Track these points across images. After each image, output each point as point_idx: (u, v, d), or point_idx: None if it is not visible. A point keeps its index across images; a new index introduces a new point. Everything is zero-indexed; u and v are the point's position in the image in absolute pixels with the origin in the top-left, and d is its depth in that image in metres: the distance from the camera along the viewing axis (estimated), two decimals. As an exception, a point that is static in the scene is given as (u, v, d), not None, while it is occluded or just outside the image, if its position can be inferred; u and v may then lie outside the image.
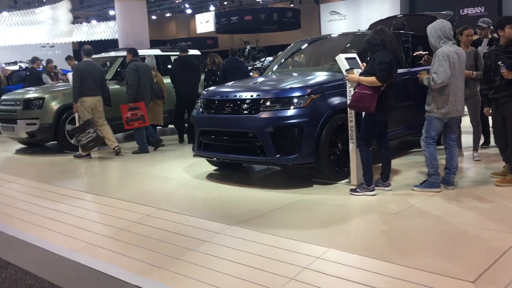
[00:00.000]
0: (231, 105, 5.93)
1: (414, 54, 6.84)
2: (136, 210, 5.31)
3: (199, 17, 31.69)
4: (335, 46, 7.39)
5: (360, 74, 5.31)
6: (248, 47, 19.14)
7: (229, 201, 5.48)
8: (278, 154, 5.59)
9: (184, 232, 4.57)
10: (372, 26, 9.12)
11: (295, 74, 6.76)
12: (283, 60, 7.66)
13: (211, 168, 7.00)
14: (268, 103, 5.66)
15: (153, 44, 19.93)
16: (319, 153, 5.64)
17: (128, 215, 5.20)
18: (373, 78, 5.08)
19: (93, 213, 5.59)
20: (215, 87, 6.83)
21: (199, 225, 4.70)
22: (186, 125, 9.27)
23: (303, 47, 7.74)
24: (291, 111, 5.56)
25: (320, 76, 6.33)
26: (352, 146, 5.65)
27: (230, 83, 7.02)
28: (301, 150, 5.55)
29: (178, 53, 9.95)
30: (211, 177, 6.62)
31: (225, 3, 32.22)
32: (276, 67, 7.56)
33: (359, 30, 8.88)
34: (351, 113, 5.59)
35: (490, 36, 7.07)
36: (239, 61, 9.70)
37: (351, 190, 5.40)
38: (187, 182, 6.47)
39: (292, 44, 7.83)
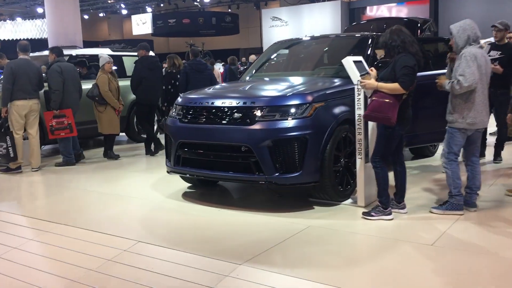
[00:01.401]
0: (219, 114, 5.03)
1: None
2: (109, 243, 4.27)
3: (135, 18, 30.11)
4: (322, 48, 6.66)
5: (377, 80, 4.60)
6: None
7: (223, 230, 4.56)
8: (277, 172, 4.76)
9: (181, 275, 3.61)
10: (348, 30, 8.52)
11: (287, 79, 5.96)
12: (262, 63, 6.83)
13: (183, 185, 6.04)
14: (265, 112, 4.81)
15: (84, 46, 18.48)
16: (323, 170, 4.86)
17: (100, 250, 4.15)
18: (395, 85, 4.37)
19: (52, 248, 4.45)
20: (195, 92, 5.88)
21: (198, 264, 3.76)
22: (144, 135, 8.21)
23: (284, 49, 6.95)
24: (292, 122, 4.75)
25: (319, 82, 5.56)
26: (360, 162, 4.91)
27: (215, 87, 6.10)
28: (305, 167, 4.75)
29: (132, 53, 8.87)
30: (188, 196, 5.66)
31: (161, 5, 30.95)
32: (254, 71, 6.72)
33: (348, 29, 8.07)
34: (359, 124, 4.86)
35: (506, 41, 6.51)
36: (203, 63, 8.75)
37: (365, 213, 4.66)
38: (162, 204, 5.47)
39: (270, 46, 7.02)
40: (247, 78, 6.56)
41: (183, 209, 5.25)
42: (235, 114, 4.92)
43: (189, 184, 6.06)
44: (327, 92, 5.08)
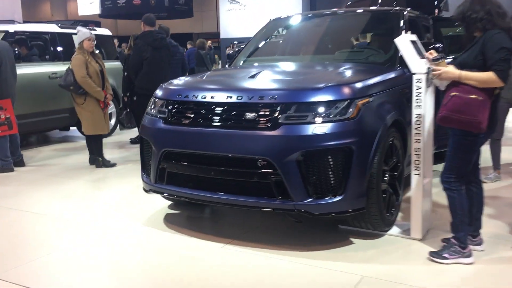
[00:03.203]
0: (223, 113, 3.57)
1: None
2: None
3: (81, -3, 27.71)
4: (338, 27, 5.26)
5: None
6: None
7: (237, 284, 3.12)
8: (309, 197, 3.36)
9: None
10: (349, 5, 7.18)
11: (305, 67, 4.56)
12: (257, 45, 5.35)
13: (162, 204, 4.55)
14: (292, 111, 3.39)
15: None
16: (370, 191, 3.51)
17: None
18: (489, 75, 3.06)
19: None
20: (183, 81, 4.35)
21: None
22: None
23: (287, 28, 5.49)
24: (331, 126, 3.35)
25: (353, 69, 4.18)
26: (417, 180, 3.59)
27: (210, 75, 4.57)
28: (348, 189, 3.37)
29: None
30: (172, 222, 4.17)
31: (111, -16, 28.63)
32: (247, 55, 5.22)
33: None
34: (418, 128, 3.54)
35: None
36: (173, 44, 7.20)
37: (433, 254, 3.34)
38: (136, 237, 3.95)
39: (267, 24, 5.54)
40: (241, 63, 5.08)
41: (168, 244, 3.75)
42: (248, 113, 3.48)
43: (170, 202, 4.57)
44: (371, 83, 3.71)
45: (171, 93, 3.94)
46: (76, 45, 6.21)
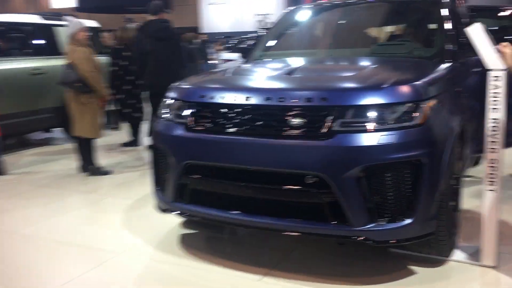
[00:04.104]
0: (261, 118, 2.93)
1: None
2: None
3: (56, -10, 26.62)
4: (367, 18, 4.65)
5: None
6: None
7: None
8: (372, 222, 2.75)
9: None
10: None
11: (345, 61, 3.95)
12: (277, 37, 4.70)
13: (174, 222, 3.90)
14: (348, 117, 2.77)
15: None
16: (440, 212, 2.93)
17: None
18: None
19: None
20: (206, 78, 3.69)
21: None
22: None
23: (310, 18, 4.83)
24: (398, 135, 2.74)
25: (404, 65, 3.58)
26: (492, 197, 3.02)
27: (236, 71, 3.87)
28: (419, 210, 2.78)
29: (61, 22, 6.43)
30: (191, 246, 3.51)
31: (87, -24, 27.53)
32: (265, 48, 4.58)
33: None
34: (495, 135, 2.97)
35: None
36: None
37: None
38: (159, 267, 3.29)
39: (286, 13, 4.90)
40: (261, 58, 4.42)
41: (190, 277, 3.10)
42: (293, 119, 2.84)
43: (181, 219, 3.92)
44: (436, 83, 3.11)
45: (191, 93, 3.28)
46: (64, 37, 5.47)
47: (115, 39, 7.49)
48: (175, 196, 3.22)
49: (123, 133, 7.55)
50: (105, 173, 5.52)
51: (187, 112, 3.20)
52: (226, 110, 3.05)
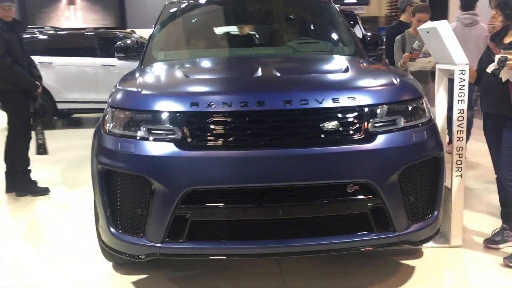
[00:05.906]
0: (282, 125, 2.47)
1: None
2: None
3: None
4: (267, 10, 4.37)
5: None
6: None
7: None
8: (412, 224, 2.64)
9: None
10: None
11: (295, 60, 3.60)
12: (173, 36, 4.03)
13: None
14: (381, 116, 2.58)
15: None
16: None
17: None
18: None
19: None
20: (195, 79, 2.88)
21: None
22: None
23: (197, 15, 4.26)
24: (423, 130, 2.69)
25: (359, 63, 3.47)
26: (459, 182, 3.27)
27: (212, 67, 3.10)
28: (439, 203, 2.78)
29: None
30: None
31: None
32: (158, 50, 3.85)
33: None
34: (461, 125, 3.21)
35: None
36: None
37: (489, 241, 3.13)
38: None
39: (164, 10, 4.17)
40: (162, 58, 3.70)
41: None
42: (323, 123, 2.48)
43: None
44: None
45: (178, 101, 2.54)
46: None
47: None
48: (166, 235, 2.47)
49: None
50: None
51: (175, 125, 2.48)
52: (233, 119, 2.48)
